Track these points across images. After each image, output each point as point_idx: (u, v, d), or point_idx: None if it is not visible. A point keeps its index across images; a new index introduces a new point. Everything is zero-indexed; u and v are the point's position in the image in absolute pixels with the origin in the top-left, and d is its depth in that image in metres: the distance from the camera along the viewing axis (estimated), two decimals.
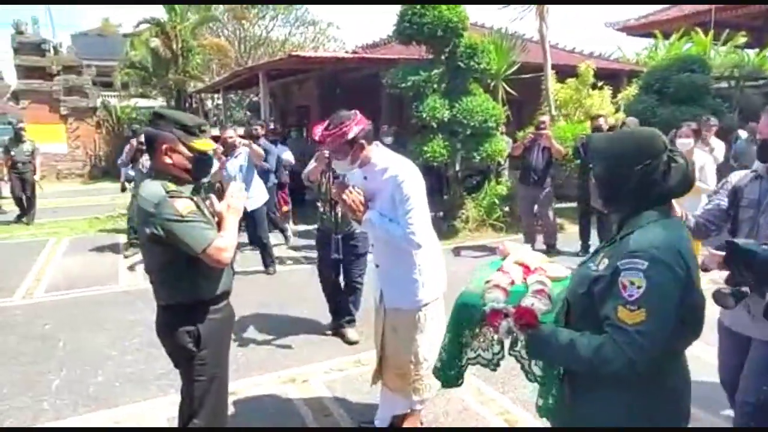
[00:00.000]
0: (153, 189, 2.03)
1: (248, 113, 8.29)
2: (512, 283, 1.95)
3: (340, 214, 3.86)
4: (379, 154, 2.53)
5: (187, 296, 2.09)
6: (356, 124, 2.41)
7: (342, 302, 4.28)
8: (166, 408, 3.26)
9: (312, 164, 4.09)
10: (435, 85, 7.36)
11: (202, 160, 2.13)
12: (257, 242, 6.13)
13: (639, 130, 1.55)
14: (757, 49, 14.51)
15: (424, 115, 7.13)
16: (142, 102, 16.40)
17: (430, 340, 2.59)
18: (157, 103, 15.95)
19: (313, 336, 4.32)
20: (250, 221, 5.81)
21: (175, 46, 13.02)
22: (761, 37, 15.17)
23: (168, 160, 2.08)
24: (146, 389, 3.53)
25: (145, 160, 6.16)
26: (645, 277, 1.29)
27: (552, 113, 8.37)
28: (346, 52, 12.16)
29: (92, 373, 3.76)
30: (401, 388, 2.75)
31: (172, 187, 2.03)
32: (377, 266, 2.68)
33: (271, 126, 8.51)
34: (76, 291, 5.63)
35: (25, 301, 5.35)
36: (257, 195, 5.78)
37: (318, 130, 2.49)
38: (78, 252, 6.10)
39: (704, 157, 4.92)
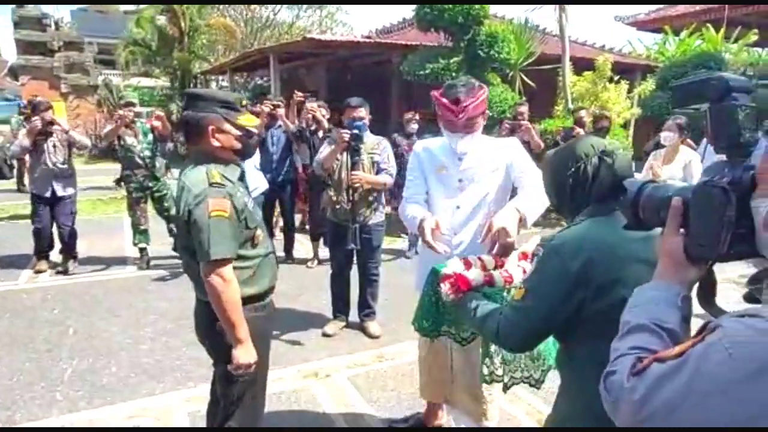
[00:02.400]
0: (197, 177, 1.88)
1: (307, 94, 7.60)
2: (501, 265, 1.88)
3: (355, 203, 3.71)
4: (479, 134, 2.27)
5: None
6: (486, 93, 2.17)
7: (360, 296, 4.14)
8: (185, 402, 3.14)
9: (326, 149, 3.90)
10: (453, 73, 7.17)
11: (249, 137, 1.99)
12: None
13: (572, 140, 1.62)
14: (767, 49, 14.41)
15: None
16: (145, 81, 16.07)
17: (503, 355, 2.35)
18: (161, 83, 15.64)
19: (330, 329, 4.16)
20: None
21: (183, 24, 12.71)
22: None
23: (216, 143, 1.93)
24: (163, 381, 3.39)
25: (52, 154, 5.21)
26: (538, 262, 1.40)
27: (568, 106, 8.20)
28: (355, 36, 11.89)
29: (105, 363, 3.61)
30: (474, 411, 2.47)
31: (216, 177, 1.87)
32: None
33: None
34: (84, 275, 5.46)
35: (31, 285, 5.18)
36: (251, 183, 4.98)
37: (445, 100, 2.10)
38: (83, 234, 5.89)
39: (690, 153, 4.66)
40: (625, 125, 8.69)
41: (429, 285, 2.02)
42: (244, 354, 1.91)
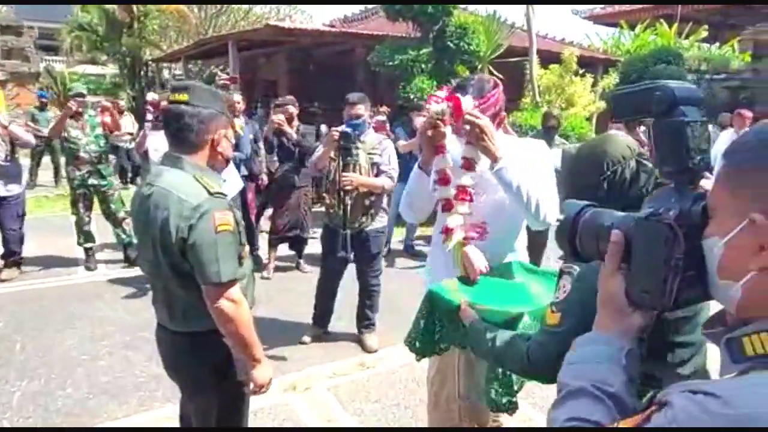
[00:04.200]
0: (190, 185, 1.61)
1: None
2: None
3: (349, 207, 3.45)
4: (500, 133, 1.99)
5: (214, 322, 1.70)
6: (500, 92, 1.87)
7: (358, 307, 3.89)
8: (151, 424, 2.87)
9: (319, 149, 3.67)
10: (423, 65, 7.02)
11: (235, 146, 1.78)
12: None
13: (602, 137, 1.49)
14: (717, 44, 15.02)
15: (412, 96, 6.79)
16: (91, 69, 15.12)
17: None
18: (109, 70, 14.77)
19: (308, 337, 3.95)
20: None
21: (132, 8, 11.98)
22: (717, 33, 15.72)
23: (218, 149, 1.70)
24: (126, 402, 3.10)
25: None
26: (573, 281, 1.27)
27: (536, 99, 8.21)
28: (314, 25, 11.53)
29: (60, 382, 3.28)
30: None
31: (215, 186, 1.63)
32: None
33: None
34: (32, 282, 5.00)
35: None
36: (228, 183, 4.75)
37: (441, 101, 1.82)
38: (28, 237, 5.42)
39: None
40: (589, 118, 8.79)
41: (424, 305, 1.87)
42: (263, 373, 1.76)
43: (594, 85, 8.96)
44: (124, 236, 5.30)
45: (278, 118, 4.75)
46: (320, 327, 3.93)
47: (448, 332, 1.82)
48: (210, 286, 1.59)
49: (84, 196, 5.19)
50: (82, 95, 5.15)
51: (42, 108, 9.11)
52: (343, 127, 3.44)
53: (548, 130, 5.41)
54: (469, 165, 1.83)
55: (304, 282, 5.16)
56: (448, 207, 1.89)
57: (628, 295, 0.78)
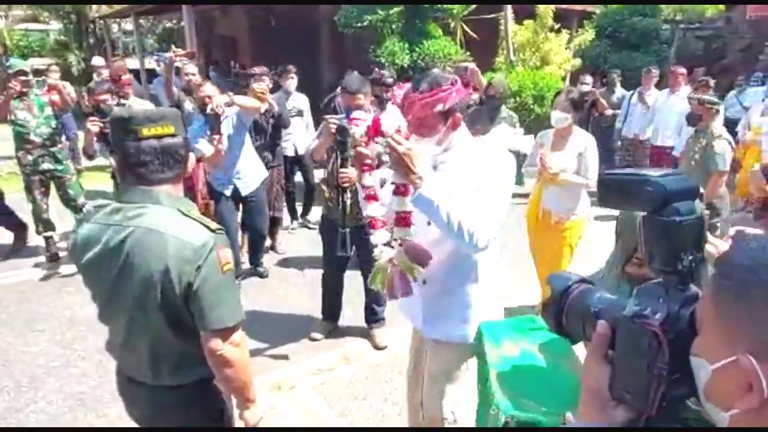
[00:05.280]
0: (186, 223, 1.44)
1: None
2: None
3: (349, 203, 3.28)
4: (464, 135, 1.89)
5: (209, 370, 1.55)
6: (457, 91, 1.79)
7: (365, 302, 3.76)
8: None
9: (316, 138, 3.47)
10: (393, 26, 6.68)
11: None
12: (254, 234, 4.61)
13: None
14: None
15: (383, 60, 6.49)
16: (34, 26, 13.94)
17: (467, 395, 2.04)
18: (52, 27, 13.66)
19: (290, 331, 3.82)
20: (247, 208, 4.38)
21: None
22: None
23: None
24: (104, 414, 2.98)
25: None
26: None
27: (510, 58, 7.97)
28: None
29: (31, 396, 3.12)
30: None
31: (208, 220, 1.49)
32: (425, 282, 1.99)
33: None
34: None
35: None
36: (252, 172, 4.25)
37: (399, 93, 1.85)
38: None
39: (584, 138, 3.48)
40: (564, 77, 8.63)
41: None
42: (255, 414, 1.64)
43: (569, 41, 8.75)
44: None
45: (261, 87, 4.32)
46: (330, 322, 3.84)
47: None
48: (213, 333, 1.45)
49: (40, 182, 4.85)
50: (24, 73, 4.69)
51: None
52: (340, 116, 3.14)
53: (489, 99, 5.04)
54: (401, 190, 1.80)
55: (282, 269, 5.00)
56: (373, 225, 1.89)
57: (611, 389, 0.74)
